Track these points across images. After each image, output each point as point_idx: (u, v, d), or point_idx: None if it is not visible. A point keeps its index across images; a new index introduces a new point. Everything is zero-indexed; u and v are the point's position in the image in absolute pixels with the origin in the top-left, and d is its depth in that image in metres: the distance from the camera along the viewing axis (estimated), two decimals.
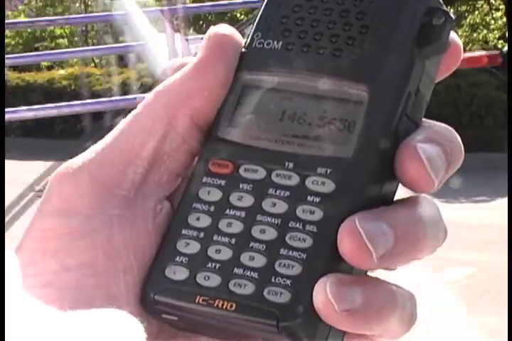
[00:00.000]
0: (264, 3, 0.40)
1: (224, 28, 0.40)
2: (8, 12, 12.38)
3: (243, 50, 0.40)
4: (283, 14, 0.39)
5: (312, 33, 0.38)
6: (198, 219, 0.38)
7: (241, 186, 0.38)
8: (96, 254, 0.33)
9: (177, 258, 0.37)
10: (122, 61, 10.32)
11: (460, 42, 0.39)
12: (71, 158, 0.39)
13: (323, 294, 0.34)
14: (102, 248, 0.36)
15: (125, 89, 9.27)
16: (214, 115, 0.39)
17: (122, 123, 0.39)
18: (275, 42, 0.39)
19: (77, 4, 14.25)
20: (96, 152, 0.39)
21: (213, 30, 0.39)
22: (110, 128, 0.39)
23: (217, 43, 0.39)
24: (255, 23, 0.39)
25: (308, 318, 0.34)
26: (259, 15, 0.40)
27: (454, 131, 0.38)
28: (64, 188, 0.38)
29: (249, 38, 0.40)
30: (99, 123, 6.79)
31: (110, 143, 0.39)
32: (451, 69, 0.40)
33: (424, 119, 0.38)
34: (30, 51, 10.47)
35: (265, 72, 0.39)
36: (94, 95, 9.03)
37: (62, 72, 12.14)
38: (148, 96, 0.39)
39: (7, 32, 10.14)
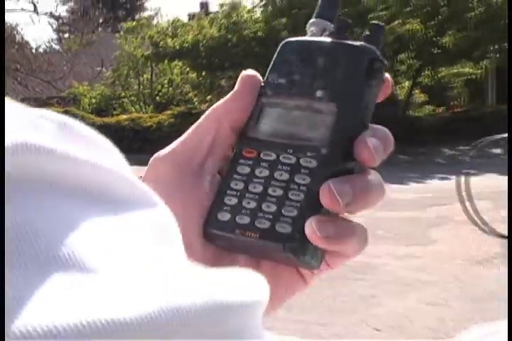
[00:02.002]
0: (276, 56, 0.63)
1: (251, 71, 0.63)
2: None
3: (262, 83, 0.63)
4: (286, 65, 0.63)
5: (303, 75, 0.61)
6: (236, 184, 0.60)
7: (261, 164, 0.61)
8: (175, 204, 0.46)
9: (224, 208, 0.60)
10: None
11: (390, 78, 0.62)
12: None
13: (311, 227, 0.56)
14: (179, 201, 0.57)
15: None
16: (244, 123, 0.62)
17: (192, 127, 0.62)
18: (281, 80, 0.62)
19: None
20: (176, 144, 0.61)
21: (244, 72, 0.62)
22: None
23: (247, 81, 0.62)
24: (270, 68, 0.63)
25: (302, 241, 0.57)
26: (272, 62, 0.63)
27: (387, 130, 0.61)
28: (156, 166, 0.61)
29: (266, 77, 0.63)
30: None
31: (184, 139, 0.62)
32: (387, 94, 0.63)
33: (370, 124, 0.61)
34: None
35: (275, 97, 0.62)
36: None
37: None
38: (208, 111, 0.62)
39: None
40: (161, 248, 0.34)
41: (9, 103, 0.34)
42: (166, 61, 20.77)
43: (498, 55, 21.02)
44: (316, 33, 0.64)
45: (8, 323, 0.26)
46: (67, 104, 22.95)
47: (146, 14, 34.85)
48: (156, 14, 31.14)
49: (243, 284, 0.35)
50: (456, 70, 21.36)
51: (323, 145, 0.58)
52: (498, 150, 17.39)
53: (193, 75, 20.69)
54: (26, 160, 0.31)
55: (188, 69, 20.79)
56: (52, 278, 0.28)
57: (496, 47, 20.62)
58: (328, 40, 0.62)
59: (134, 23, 23.91)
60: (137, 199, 0.36)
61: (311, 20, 0.65)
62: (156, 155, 0.60)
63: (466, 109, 20.72)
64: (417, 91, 20.65)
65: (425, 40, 19.17)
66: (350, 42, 0.61)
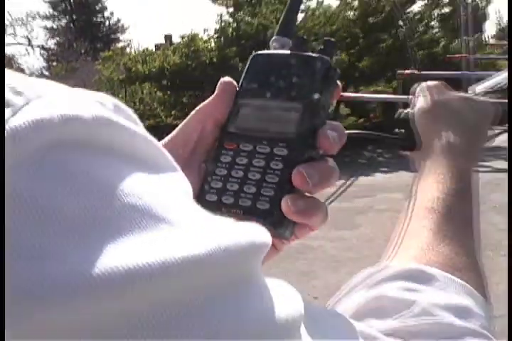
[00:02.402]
0: (248, 66, 0.64)
1: (228, 78, 0.64)
2: None
3: (237, 88, 0.64)
4: (256, 72, 0.64)
5: (272, 80, 0.62)
6: (220, 171, 0.61)
7: (241, 154, 0.61)
8: None
9: (211, 190, 0.61)
10: None
11: (340, 85, 0.64)
12: None
13: (286, 203, 0.57)
14: None
15: None
16: (225, 121, 0.63)
17: (180, 125, 0.63)
18: (253, 85, 0.63)
19: None
20: (169, 138, 0.62)
21: (222, 79, 0.64)
22: None
23: (225, 86, 0.64)
24: (243, 75, 0.64)
25: (278, 216, 0.58)
26: (245, 71, 0.64)
27: (341, 125, 0.63)
28: None
29: (240, 83, 0.64)
30: None
31: (175, 134, 0.63)
32: (338, 97, 0.65)
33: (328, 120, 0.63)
34: None
35: (250, 99, 0.63)
36: None
37: None
38: (193, 111, 0.64)
39: None
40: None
41: (77, 89, 0.37)
42: (137, 83, 20.72)
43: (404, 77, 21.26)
44: (278, 48, 0.66)
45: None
46: None
47: (120, 45, 34.77)
48: (128, 45, 31.04)
49: (255, 229, 0.38)
50: (372, 89, 21.55)
51: (292, 137, 0.59)
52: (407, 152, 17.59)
53: (160, 94, 20.65)
54: (102, 129, 0.33)
55: (155, 89, 20.73)
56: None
57: (402, 70, 20.87)
58: (291, 52, 0.63)
59: (110, 52, 23.83)
60: (169, 165, 0.40)
61: (274, 37, 0.67)
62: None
63: (381, 120, 20.91)
64: (342, 105, 20.80)
65: (348, 65, 19.32)
66: (309, 54, 0.62)
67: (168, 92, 20.40)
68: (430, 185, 0.83)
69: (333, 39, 0.65)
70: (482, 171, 11.92)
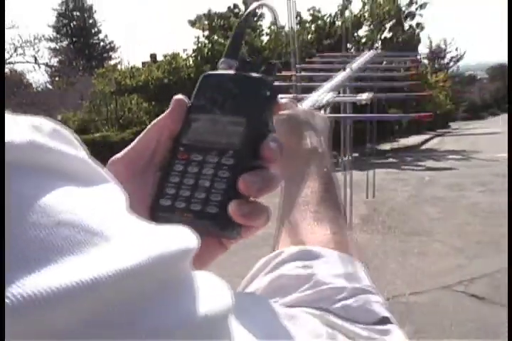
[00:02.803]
0: (198, 84, 0.62)
1: (180, 95, 0.62)
2: None
3: (189, 104, 0.62)
4: (206, 90, 0.62)
5: (220, 97, 0.61)
6: (174, 178, 0.59)
7: (192, 163, 0.59)
8: (129, 193, 0.42)
9: (166, 196, 0.58)
10: None
11: (280, 101, 0.63)
12: None
13: (232, 208, 0.55)
14: (131, 191, 0.51)
15: None
16: (178, 133, 0.61)
17: (138, 137, 0.61)
18: (202, 101, 0.61)
19: None
20: (127, 150, 0.60)
21: (175, 97, 0.62)
22: None
23: (177, 102, 0.61)
24: (194, 93, 0.62)
25: (226, 219, 0.56)
26: (196, 88, 0.62)
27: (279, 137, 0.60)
28: (113, 166, 0.59)
29: (192, 99, 0.62)
30: None
31: (133, 146, 0.61)
32: (278, 112, 0.63)
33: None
34: None
35: (199, 113, 0.61)
36: None
37: None
38: (149, 125, 0.61)
39: None
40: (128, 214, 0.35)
41: (12, 116, 0.34)
42: (126, 95, 20.68)
43: (353, 90, 21.43)
44: (225, 68, 0.64)
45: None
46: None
47: (112, 62, 34.69)
48: (119, 62, 30.91)
49: (184, 234, 0.35)
50: None
51: (238, 148, 0.58)
52: (355, 154, 17.74)
53: (146, 105, 20.66)
54: (33, 153, 0.31)
55: (141, 100, 20.70)
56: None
57: None
58: (237, 72, 0.62)
59: (103, 69, 23.81)
60: (103, 179, 0.36)
61: (222, 60, 0.65)
62: (112, 158, 0.60)
63: (333, 127, 20.92)
64: None
65: (305, 80, 19.39)
66: (254, 74, 0.61)
67: (153, 103, 20.42)
68: (302, 181, 0.84)
69: (274, 61, 0.64)
70: (418, 169, 12.06)
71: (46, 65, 32.34)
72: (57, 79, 33.35)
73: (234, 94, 0.61)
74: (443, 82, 34.31)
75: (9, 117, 0.33)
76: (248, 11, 0.68)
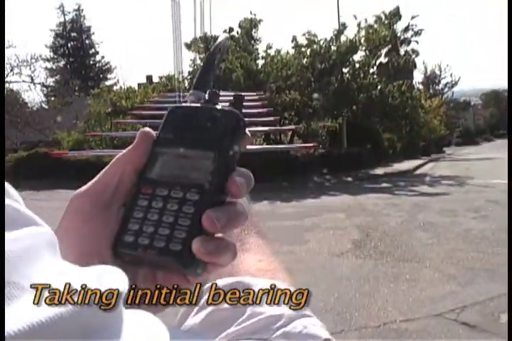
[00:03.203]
0: (165, 117, 0.61)
1: (146, 129, 0.60)
2: None
3: (155, 137, 0.60)
4: (172, 124, 0.60)
5: (186, 130, 0.59)
6: (137, 213, 0.57)
7: (157, 198, 0.57)
8: (91, 228, 0.47)
9: (129, 232, 0.56)
10: None
11: (249, 134, 0.61)
12: None
13: (196, 245, 0.53)
14: (94, 226, 0.55)
15: None
16: (142, 167, 0.59)
17: (102, 171, 0.59)
18: (169, 135, 0.60)
19: None
20: (91, 183, 0.58)
21: (141, 129, 0.60)
22: None
23: (143, 136, 0.59)
24: (161, 126, 0.60)
25: (189, 256, 0.54)
26: (162, 122, 0.61)
27: (249, 171, 0.59)
28: (76, 200, 0.57)
29: (158, 133, 0.60)
30: None
31: (97, 179, 0.59)
32: (246, 146, 0.61)
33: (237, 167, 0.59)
34: None
35: (166, 148, 0.59)
36: None
37: None
38: (114, 158, 0.59)
39: None
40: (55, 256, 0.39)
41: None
42: (121, 116, 20.72)
43: (348, 114, 21.65)
44: (194, 101, 0.63)
45: None
46: (51, 146, 22.67)
47: (107, 83, 34.79)
48: (116, 84, 31.01)
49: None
50: (322, 124, 21.75)
51: (204, 183, 0.57)
52: (349, 179, 17.81)
53: (140, 126, 20.59)
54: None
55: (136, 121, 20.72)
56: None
57: (346, 109, 21.27)
58: (205, 105, 0.61)
59: (99, 90, 23.89)
60: (30, 222, 0.39)
61: (190, 91, 0.64)
62: (76, 191, 0.58)
63: (329, 151, 21.08)
64: (296, 137, 20.94)
65: (302, 103, 19.51)
66: (221, 107, 0.60)
67: (148, 124, 20.38)
68: None
69: (242, 94, 0.63)
70: (411, 195, 12.00)
71: (42, 84, 32.35)
72: (52, 99, 33.41)
73: (201, 127, 0.59)
74: (438, 107, 34.55)
75: None
76: (217, 43, 0.68)
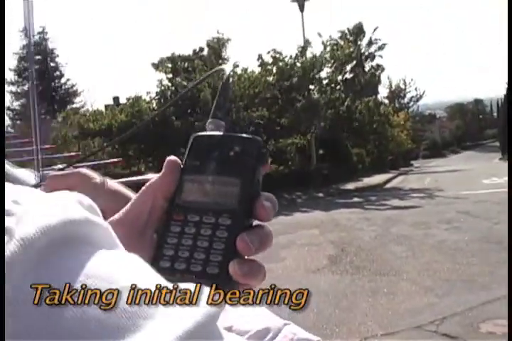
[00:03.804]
0: (189, 145, 0.63)
1: (173, 157, 0.62)
2: None
3: (182, 165, 0.62)
4: (198, 151, 0.62)
5: (212, 158, 0.62)
6: (171, 239, 0.59)
7: (189, 224, 0.59)
8: None
9: (164, 258, 0.58)
10: None
11: (269, 160, 0.63)
12: None
13: (233, 267, 0.55)
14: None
15: None
16: (172, 194, 0.61)
17: (133, 198, 0.62)
18: (195, 162, 0.62)
19: None
20: (123, 211, 0.61)
21: (168, 158, 0.62)
22: None
23: (171, 164, 0.62)
24: (187, 154, 0.62)
25: (227, 278, 0.56)
26: (187, 150, 0.63)
27: (273, 195, 0.62)
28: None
29: (184, 161, 0.62)
30: None
31: (129, 208, 0.61)
32: (267, 171, 0.63)
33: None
34: None
35: (194, 175, 0.61)
36: None
37: None
38: (144, 186, 0.62)
39: None
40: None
41: (62, 193, 0.43)
42: (89, 138, 20.58)
43: (316, 131, 21.78)
44: (214, 129, 0.65)
45: None
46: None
47: (74, 106, 34.66)
48: (83, 106, 30.89)
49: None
50: (290, 141, 21.85)
51: (235, 208, 0.59)
52: (320, 195, 17.88)
53: (109, 148, 20.49)
54: (84, 226, 0.40)
55: (105, 144, 20.58)
56: None
57: (314, 125, 21.39)
58: (229, 133, 0.64)
59: (65, 113, 23.78)
60: (115, 244, 0.44)
61: (209, 120, 0.66)
62: (109, 220, 0.59)
63: (298, 167, 21.16)
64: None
65: (270, 120, 19.58)
66: (244, 135, 0.63)
67: (116, 146, 20.25)
68: None
69: (261, 121, 0.65)
70: (383, 209, 12.04)
71: (8, 108, 32.12)
72: (18, 122, 33.13)
73: (227, 154, 0.62)
74: (404, 121, 34.97)
75: (60, 194, 0.42)
76: (228, 73, 0.70)
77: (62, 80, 40.49)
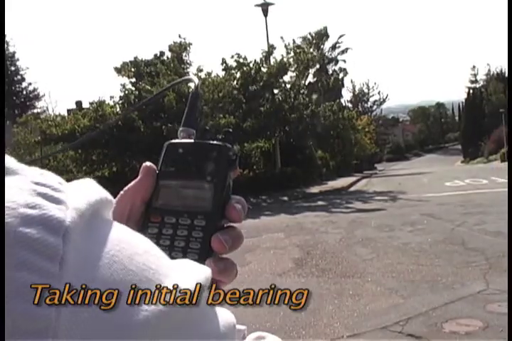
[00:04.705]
0: (164, 152, 0.66)
1: (149, 163, 0.66)
2: None
3: (157, 171, 0.65)
4: (172, 158, 0.66)
5: (186, 164, 0.65)
6: (150, 240, 0.60)
7: (166, 225, 0.63)
8: None
9: None
10: None
11: (238, 166, 0.67)
12: None
13: (209, 265, 0.57)
14: None
15: None
16: (150, 198, 0.64)
17: (115, 200, 0.63)
18: (171, 168, 0.65)
19: None
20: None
21: (144, 164, 0.65)
22: None
23: (147, 170, 0.65)
24: (161, 160, 0.66)
25: None
26: (162, 156, 0.66)
27: (242, 198, 0.66)
28: None
29: (159, 166, 0.65)
30: None
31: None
32: (236, 175, 0.68)
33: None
34: None
35: (168, 180, 0.65)
36: None
37: None
38: (122, 191, 0.64)
39: None
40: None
41: (86, 180, 0.48)
42: (52, 143, 20.27)
43: (281, 134, 21.87)
44: (185, 137, 0.69)
45: None
46: None
47: (36, 111, 34.19)
48: (44, 111, 30.51)
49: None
50: (255, 145, 21.89)
51: (208, 210, 0.63)
52: (285, 198, 17.93)
53: (72, 153, 20.29)
54: (107, 205, 0.47)
55: (63, 145, 20.30)
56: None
57: (278, 129, 21.49)
58: (200, 141, 0.67)
59: (25, 118, 23.41)
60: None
61: (181, 128, 0.70)
62: None
63: (263, 171, 21.24)
64: None
65: (234, 125, 19.58)
66: (214, 142, 0.66)
67: (79, 151, 20.05)
68: None
69: (231, 130, 0.71)
70: (347, 211, 12.13)
71: None
72: None
73: (199, 160, 0.65)
74: (367, 125, 35.31)
75: (87, 180, 0.47)
76: (196, 84, 0.73)
77: (23, 85, 39.86)
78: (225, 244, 0.61)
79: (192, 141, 0.68)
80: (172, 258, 0.58)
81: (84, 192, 0.43)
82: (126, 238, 0.44)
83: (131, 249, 0.43)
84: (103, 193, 0.46)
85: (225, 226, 0.64)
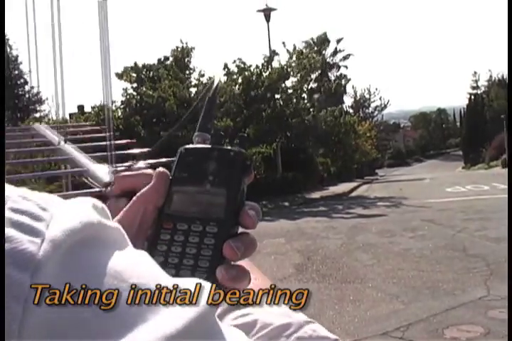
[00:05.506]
0: (178, 157, 0.66)
1: (162, 169, 0.66)
2: None
3: (170, 177, 0.65)
4: (186, 163, 0.65)
5: (200, 170, 0.64)
6: (161, 246, 0.62)
7: (178, 232, 0.62)
8: None
9: None
10: None
11: (253, 171, 0.66)
12: None
13: (220, 273, 0.58)
14: None
15: None
16: (162, 204, 0.64)
17: (125, 208, 0.64)
18: (184, 174, 0.64)
19: None
20: (117, 219, 0.63)
21: (157, 170, 0.65)
22: None
23: (161, 175, 0.65)
24: (175, 166, 0.65)
25: (214, 283, 0.55)
26: (176, 161, 0.65)
27: (257, 204, 0.64)
28: None
29: (173, 172, 0.65)
30: None
31: (121, 216, 0.64)
32: (251, 180, 0.66)
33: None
34: None
35: (182, 186, 0.64)
36: None
37: None
38: (135, 197, 0.64)
39: None
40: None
41: (76, 200, 0.46)
42: None
43: (282, 140, 21.88)
44: (200, 142, 0.68)
45: None
46: None
47: (38, 115, 34.24)
48: (46, 115, 30.54)
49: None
50: (256, 150, 21.89)
51: (221, 217, 0.62)
52: (286, 203, 17.92)
53: None
54: (99, 229, 0.43)
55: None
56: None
57: (280, 134, 21.48)
58: (215, 146, 0.66)
59: (27, 122, 23.44)
60: (125, 243, 0.47)
61: (196, 133, 0.69)
62: None
63: (264, 176, 21.21)
64: None
65: (235, 131, 19.58)
66: (228, 147, 0.65)
67: None
68: None
69: (245, 134, 0.68)
70: (348, 217, 12.12)
71: None
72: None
73: (213, 166, 0.64)
74: (368, 130, 35.31)
75: (78, 200, 0.46)
76: (215, 85, 0.73)
77: (26, 88, 39.93)
78: (237, 251, 0.60)
79: (207, 146, 0.67)
80: (183, 265, 0.61)
81: (70, 218, 0.42)
82: (120, 265, 0.42)
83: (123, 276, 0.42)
84: (93, 217, 0.44)
85: (238, 232, 0.63)
